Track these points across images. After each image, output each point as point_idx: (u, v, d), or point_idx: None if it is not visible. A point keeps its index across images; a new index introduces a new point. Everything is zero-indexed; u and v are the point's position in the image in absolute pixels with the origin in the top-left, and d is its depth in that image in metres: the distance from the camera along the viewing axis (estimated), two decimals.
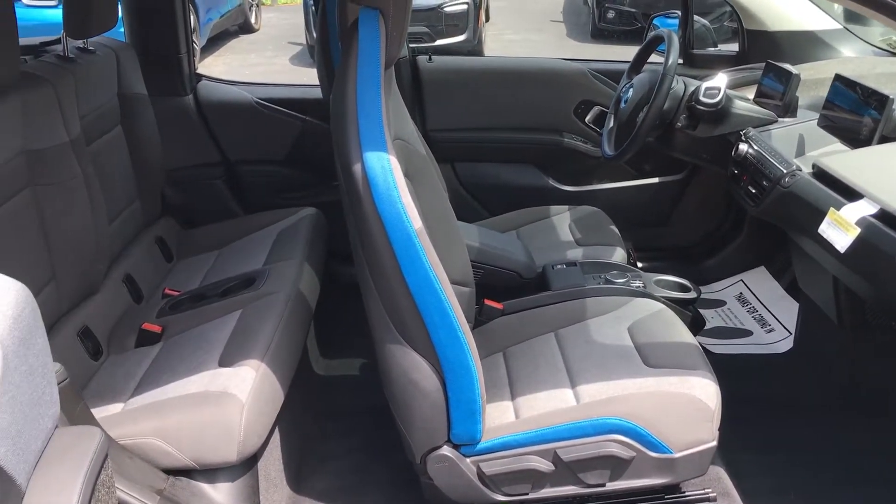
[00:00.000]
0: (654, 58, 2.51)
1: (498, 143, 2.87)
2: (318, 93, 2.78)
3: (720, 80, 2.20)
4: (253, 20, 11.16)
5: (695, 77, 2.33)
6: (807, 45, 2.65)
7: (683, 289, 2.19)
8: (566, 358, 1.84)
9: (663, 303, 2.06)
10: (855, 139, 1.90)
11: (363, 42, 1.48)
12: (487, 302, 2.05)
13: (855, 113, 1.91)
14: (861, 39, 2.66)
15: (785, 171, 1.90)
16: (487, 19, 9.64)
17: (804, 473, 2.00)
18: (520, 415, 1.70)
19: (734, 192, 2.17)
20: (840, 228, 1.62)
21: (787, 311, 2.64)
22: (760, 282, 2.80)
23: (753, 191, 2.02)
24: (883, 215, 1.58)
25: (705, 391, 1.64)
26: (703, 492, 1.77)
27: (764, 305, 2.70)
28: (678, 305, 2.12)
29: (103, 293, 2.15)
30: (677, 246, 2.95)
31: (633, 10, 9.23)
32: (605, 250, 2.35)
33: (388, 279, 1.51)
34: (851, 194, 1.70)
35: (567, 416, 1.64)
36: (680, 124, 2.25)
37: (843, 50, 2.64)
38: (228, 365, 1.79)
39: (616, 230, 2.47)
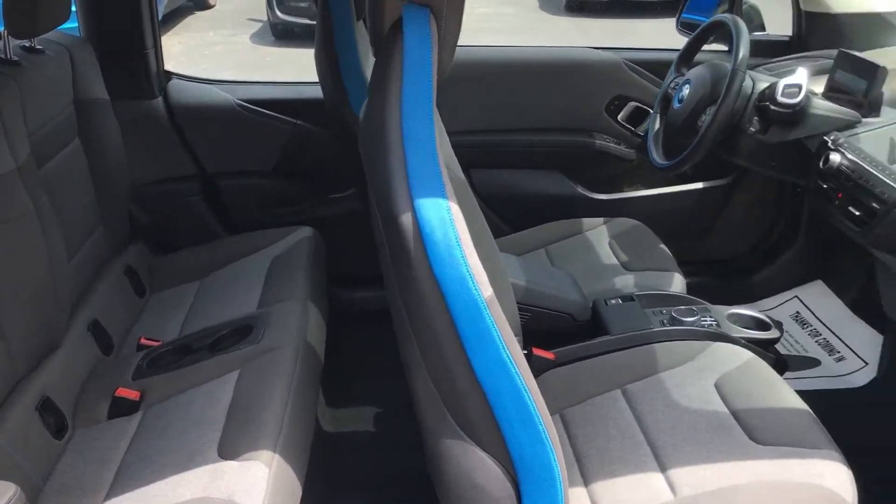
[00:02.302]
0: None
1: (518, 147, 2.50)
2: (311, 92, 2.40)
3: (801, 75, 1.86)
4: None
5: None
6: (874, 29, 2.31)
7: (762, 325, 1.86)
8: (644, 427, 1.50)
9: (745, 346, 1.73)
10: None
11: (411, 50, 1.10)
12: (536, 351, 1.70)
13: None
14: None
15: None
16: None
17: None
18: None
19: (825, 212, 1.84)
20: None
21: (857, 335, 2.32)
22: (819, 299, 2.48)
23: (857, 213, 1.68)
24: None
25: (838, 479, 1.32)
26: None
27: (827, 328, 2.39)
28: (759, 347, 1.79)
29: (66, 348, 1.76)
30: (722, 259, 2.62)
31: None
32: (660, 277, 2.01)
33: (446, 359, 1.15)
34: None
35: None
36: (753, 129, 1.91)
37: None
38: (232, 457, 1.41)
39: (667, 249, 2.13)
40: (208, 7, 10.64)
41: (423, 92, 1.10)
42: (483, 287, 1.10)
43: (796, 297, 2.53)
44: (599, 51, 2.47)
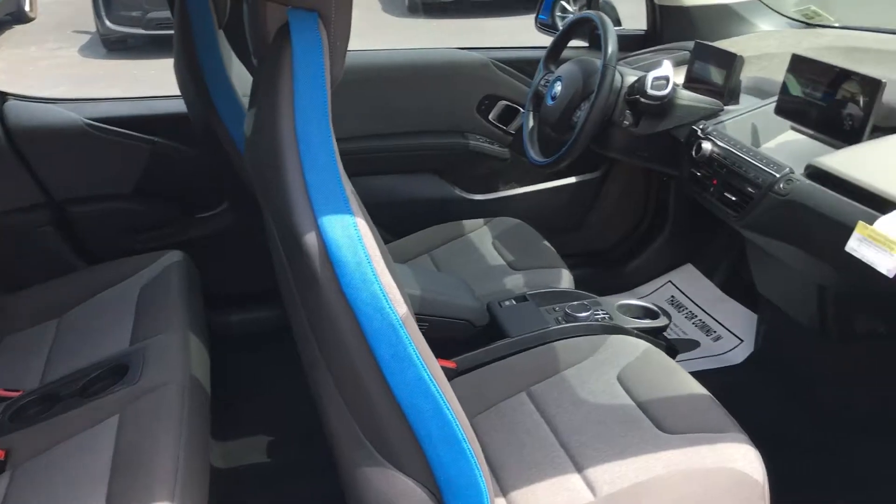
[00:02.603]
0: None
1: (391, 152, 2.44)
2: (167, 106, 2.24)
3: (667, 68, 1.90)
4: (27, 7, 9.82)
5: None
6: (722, 19, 2.42)
7: (651, 314, 1.89)
8: (555, 428, 1.48)
9: (638, 336, 1.76)
10: (835, 129, 1.66)
11: (300, 57, 1.02)
12: (438, 362, 1.65)
13: (830, 98, 1.67)
14: (774, 11, 2.46)
15: (778, 176, 1.63)
16: None
17: None
18: None
19: (700, 199, 1.89)
20: (881, 247, 1.35)
21: (729, 314, 2.42)
22: (691, 281, 2.57)
23: (733, 198, 1.74)
24: None
25: (747, 460, 1.34)
26: None
27: (701, 309, 2.48)
28: (650, 335, 1.82)
29: None
30: (597, 250, 2.66)
31: None
32: (548, 274, 2.02)
33: (362, 383, 1.08)
34: (870, 201, 1.44)
35: None
36: (626, 122, 1.94)
37: (759, 23, 2.43)
38: None
39: (550, 246, 2.14)
40: (28, 20, 9.90)
41: (318, 102, 1.03)
42: (398, 305, 1.04)
43: (669, 281, 2.61)
44: (467, 51, 2.45)
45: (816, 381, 2.05)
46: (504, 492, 1.39)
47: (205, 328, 1.93)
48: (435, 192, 2.48)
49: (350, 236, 1.01)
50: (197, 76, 1.78)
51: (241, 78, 1.94)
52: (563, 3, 2.60)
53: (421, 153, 2.45)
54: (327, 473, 1.92)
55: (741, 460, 1.34)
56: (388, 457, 1.14)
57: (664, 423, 1.43)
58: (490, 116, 2.47)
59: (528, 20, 2.73)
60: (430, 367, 1.08)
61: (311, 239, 1.01)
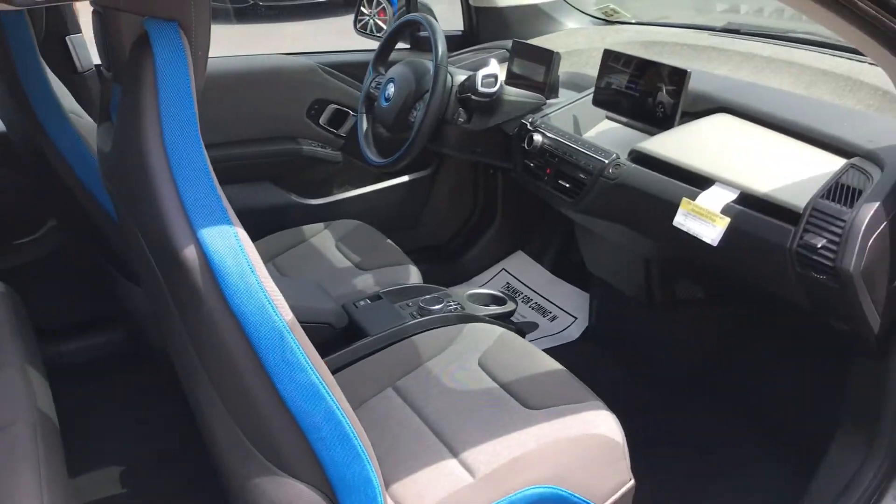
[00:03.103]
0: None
1: (223, 161, 2.38)
2: None
3: (495, 66, 2.01)
4: None
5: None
6: (533, 18, 2.58)
7: (499, 301, 1.98)
8: (425, 418, 1.53)
9: (491, 322, 1.84)
10: (648, 117, 1.82)
11: (165, 68, 1.00)
12: None
13: (641, 88, 1.83)
14: (578, 10, 2.65)
15: (606, 162, 1.77)
16: None
17: (688, 476, 1.92)
18: None
19: (535, 189, 2.00)
20: (704, 220, 1.51)
21: (560, 294, 2.58)
22: (523, 267, 2.72)
23: (567, 185, 1.86)
24: (744, 199, 1.50)
25: (607, 425, 1.46)
26: None
27: (536, 292, 2.62)
28: (501, 321, 1.92)
29: None
30: (434, 244, 2.74)
31: None
32: (397, 271, 2.06)
33: (250, 393, 1.07)
34: (690, 179, 1.61)
35: (476, 499, 1.34)
36: (460, 119, 2.02)
37: (566, 21, 2.61)
38: None
39: (393, 244, 2.19)
40: None
41: (185, 113, 1.01)
42: (284, 312, 1.04)
43: (503, 269, 2.74)
44: (293, 56, 2.44)
45: (647, 347, 2.24)
46: (387, 486, 1.42)
47: (41, 361, 1.81)
48: (272, 200, 2.45)
49: (231, 246, 1.00)
50: (17, 92, 1.66)
51: (59, 90, 1.83)
52: (362, 8, 2.64)
53: (254, 161, 2.41)
54: (194, 493, 1.87)
55: (602, 425, 1.45)
56: (280, 465, 1.13)
57: (529, 400, 1.51)
58: (320, 121, 2.48)
59: (327, 24, 2.76)
60: (320, 371, 1.09)
61: (190, 252, 1.00)
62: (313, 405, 1.09)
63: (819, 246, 1.35)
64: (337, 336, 1.80)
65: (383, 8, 2.59)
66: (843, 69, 1.84)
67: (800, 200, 1.42)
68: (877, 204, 1.34)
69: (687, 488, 1.86)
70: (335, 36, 2.68)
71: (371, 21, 2.63)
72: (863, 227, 1.32)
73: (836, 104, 1.74)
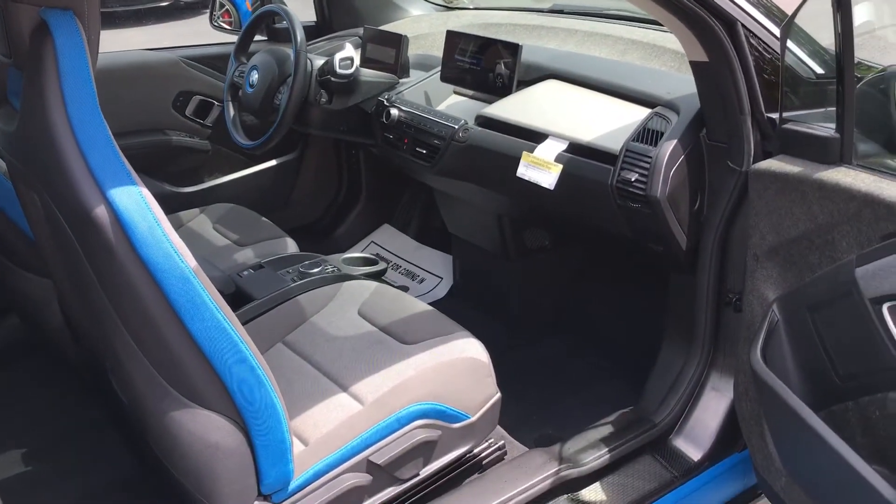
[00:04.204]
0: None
1: None
2: None
3: (350, 50, 2.20)
4: None
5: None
6: (381, 7, 2.79)
7: (371, 262, 2.18)
8: (316, 364, 1.71)
9: (366, 279, 2.04)
10: (489, 87, 2.08)
11: (66, 53, 1.14)
12: None
13: (481, 63, 2.08)
14: None
15: (456, 127, 2.00)
16: None
17: (546, 396, 2.18)
18: (308, 440, 1.54)
19: (394, 157, 2.22)
20: (542, 168, 1.78)
21: (426, 258, 2.81)
22: (390, 238, 2.93)
23: (424, 151, 2.09)
24: (573, 147, 1.77)
25: (475, 348, 1.69)
26: (491, 444, 1.83)
27: (404, 259, 2.84)
28: (375, 279, 2.12)
29: None
30: (306, 224, 2.91)
31: None
32: (275, 244, 2.22)
33: (163, 334, 1.23)
34: (527, 136, 1.87)
35: (366, 420, 1.54)
36: (323, 99, 2.20)
37: (410, 9, 2.83)
38: None
39: (269, 221, 2.34)
40: None
41: (87, 92, 1.16)
42: (188, 259, 1.21)
43: (372, 241, 2.95)
44: (156, 51, 2.55)
45: (506, 295, 2.50)
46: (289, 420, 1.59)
47: None
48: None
49: (138, 203, 1.16)
50: None
51: None
52: (215, 10, 2.78)
53: (125, 154, 2.49)
54: (93, 467, 1.96)
55: (470, 350, 1.68)
56: (194, 398, 1.29)
57: (406, 337, 1.71)
58: (186, 112, 2.59)
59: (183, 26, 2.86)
60: (223, 309, 1.26)
61: (101, 211, 1.15)
62: (220, 340, 1.26)
63: (633, 179, 1.64)
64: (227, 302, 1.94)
65: (227, 10, 2.72)
66: (650, 38, 2.16)
67: (616, 144, 1.71)
68: (675, 142, 1.64)
69: (545, 402, 2.14)
70: (193, 37, 2.78)
71: (216, 22, 2.76)
72: (665, 161, 1.62)
73: (645, 67, 2.05)
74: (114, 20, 8.78)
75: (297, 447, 1.51)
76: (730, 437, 1.82)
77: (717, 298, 1.76)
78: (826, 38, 1.68)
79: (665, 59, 2.07)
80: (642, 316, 2.17)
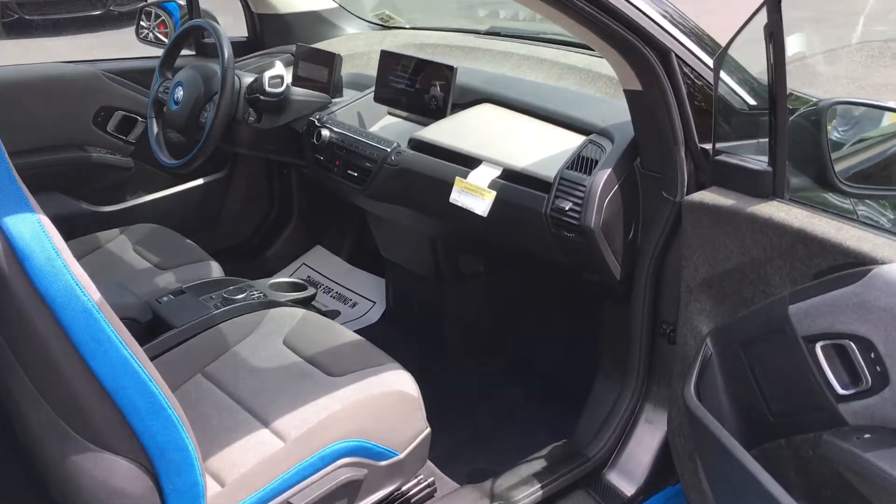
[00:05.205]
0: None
1: None
2: None
3: (280, 68, 2.14)
4: None
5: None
6: (314, 24, 2.72)
7: (299, 287, 2.11)
8: (237, 398, 1.62)
9: (293, 306, 1.96)
10: (424, 109, 2.03)
11: None
12: None
13: (416, 84, 2.04)
14: (356, 16, 2.82)
15: (389, 150, 1.95)
16: None
17: (479, 425, 2.12)
18: (225, 480, 1.45)
19: (327, 180, 2.15)
20: (475, 195, 1.73)
21: (359, 282, 2.74)
22: (322, 260, 2.85)
23: (356, 174, 2.03)
24: (507, 174, 1.73)
25: (404, 381, 1.63)
26: (420, 481, 1.76)
27: (335, 282, 2.76)
28: (302, 305, 2.04)
29: None
30: (234, 244, 2.81)
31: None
32: (198, 268, 2.13)
33: (63, 373, 1.14)
34: (461, 160, 1.82)
35: (288, 459, 1.46)
36: (251, 118, 2.13)
37: (345, 27, 2.78)
38: None
39: (193, 243, 2.25)
40: None
41: None
42: (91, 292, 1.12)
43: (304, 264, 2.87)
44: (75, 64, 2.43)
45: (440, 321, 2.45)
46: (203, 460, 1.50)
47: None
48: (61, 210, 2.42)
49: (34, 230, 1.07)
50: None
51: None
52: (142, 23, 2.69)
53: (39, 171, 2.37)
54: None
55: (399, 383, 1.62)
56: (98, 441, 1.20)
57: (332, 368, 1.65)
58: (108, 128, 2.48)
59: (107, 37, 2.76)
60: (130, 346, 1.17)
61: None
62: (127, 379, 1.17)
63: (567, 208, 1.61)
64: (142, 331, 1.84)
65: (163, 20, 2.63)
66: (585, 63, 2.14)
67: (550, 172, 1.67)
68: (609, 170, 1.61)
69: (477, 432, 2.08)
70: (114, 48, 2.68)
71: (151, 33, 2.67)
72: (599, 190, 1.59)
73: (580, 92, 2.03)
74: (39, 28, 8.52)
75: (213, 488, 1.43)
76: (663, 470, 1.79)
77: (651, 329, 1.74)
78: (757, 67, 1.69)
79: (600, 84, 2.05)
80: (577, 342, 2.14)
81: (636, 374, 1.79)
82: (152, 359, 1.72)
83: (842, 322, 1.14)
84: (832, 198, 1.39)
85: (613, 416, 1.82)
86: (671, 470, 1.78)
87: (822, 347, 1.18)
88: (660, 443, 1.78)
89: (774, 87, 1.32)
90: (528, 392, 2.24)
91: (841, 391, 1.17)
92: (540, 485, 1.73)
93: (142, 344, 1.75)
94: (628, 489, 1.78)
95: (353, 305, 2.67)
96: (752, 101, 1.63)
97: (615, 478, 1.80)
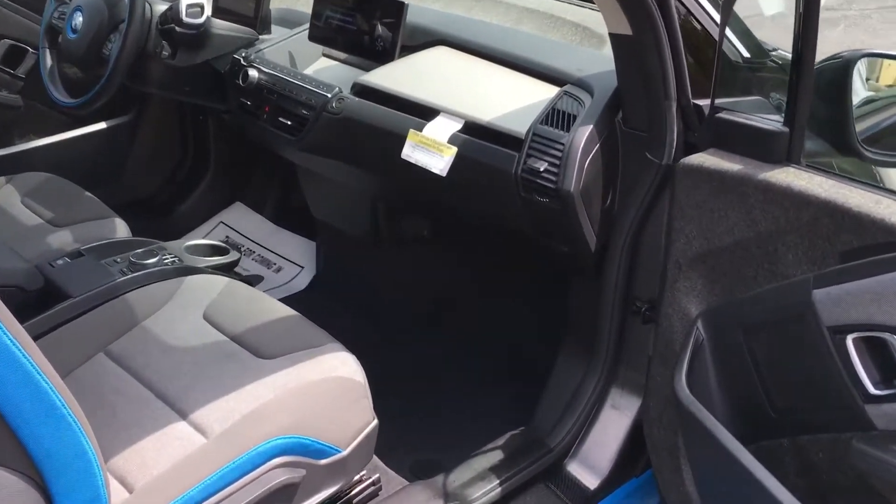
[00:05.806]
0: None
1: None
2: None
3: None
4: None
5: None
6: None
7: (221, 251, 1.85)
8: (147, 382, 1.37)
9: (213, 273, 1.71)
10: (367, 51, 1.79)
11: None
12: None
13: (358, 22, 1.78)
14: None
15: (329, 96, 1.69)
16: None
17: (424, 409, 1.92)
18: (134, 486, 1.21)
19: (254, 128, 1.89)
20: (432, 150, 1.50)
21: (284, 244, 2.49)
22: (242, 219, 2.58)
23: (288, 123, 1.76)
24: (469, 128, 1.51)
25: (346, 366, 1.41)
26: (363, 479, 1.55)
27: (258, 244, 2.50)
28: (224, 272, 1.79)
29: None
30: (142, 198, 2.51)
31: None
32: (100, 226, 1.85)
33: None
34: (415, 110, 1.59)
35: (212, 460, 1.23)
36: (164, 53, 1.84)
37: None
38: None
39: (94, 197, 1.95)
40: None
41: None
42: None
43: (221, 222, 2.59)
44: None
45: (376, 290, 2.22)
46: (105, 460, 1.25)
47: None
48: None
49: None
50: None
51: None
52: None
53: None
54: None
55: (342, 367, 1.40)
56: None
57: (262, 349, 1.42)
58: None
59: None
60: (11, 330, 0.92)
61: None
62: (7, 372, 0.92)
63: (542, 169, 1.40)
64: (30, 300, 1.57)
65: None
66: (546, 7, 1.94)
67: (521, 127, 1.46)
68: (590, 127, 1.41)
69: (423, 417, 1.88)
70: None
71: None
72: (580, 149, 1.38)
73: (547, 38, 1.81)
74: None
75: (118, 496, 1.19)
76: (629, 460, 1.63)
77: (623, 306, 1.56)
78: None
79: (564, 31, 1.86)
80: (535, 317, 1.95)
81: (604, 355, 1.62)
82: (43, 335, 1.47)
83: (884, 312, 0.98)
84: (849, 164, 1.23)
85: (577, 401, 1.64)
86: (637, 459, 1.63)
87: (854, 340, 1.02)
88: (627, 431, 1.63)
89: (801, 40, 1.13)
90: (478, 370, 2.04)
91: (873, 391, 1.02)
92: (497, 481, 1.55)
93: (30, 317, 1.50)
94: (591, 482, 1.62)
95: (278, 270, 2.42)
96: (745, 53, 1.46)
97: (577, 469, 1.63)
